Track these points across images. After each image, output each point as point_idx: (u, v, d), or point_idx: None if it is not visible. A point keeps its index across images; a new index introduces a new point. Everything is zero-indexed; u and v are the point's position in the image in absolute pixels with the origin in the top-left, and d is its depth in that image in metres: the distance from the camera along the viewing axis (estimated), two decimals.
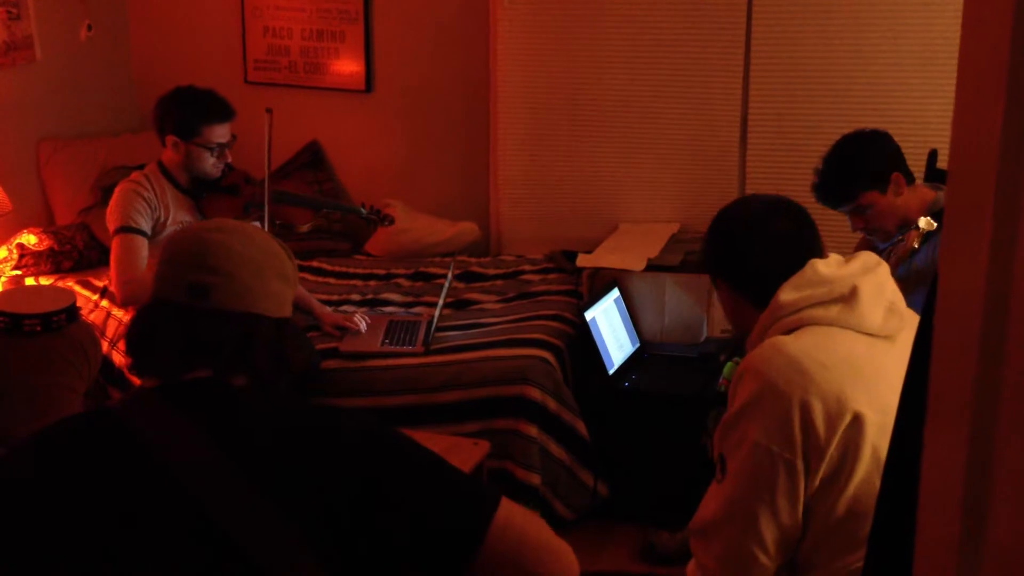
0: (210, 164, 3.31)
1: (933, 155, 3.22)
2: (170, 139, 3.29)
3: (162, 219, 3.28)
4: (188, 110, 3.27)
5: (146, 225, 3.24)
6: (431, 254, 4.38)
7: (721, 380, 3.01)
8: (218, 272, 1.43)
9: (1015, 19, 0.75)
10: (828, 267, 1.84)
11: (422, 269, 4.19)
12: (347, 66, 4.64)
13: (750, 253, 1.89)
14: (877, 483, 1.66)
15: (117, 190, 3.29)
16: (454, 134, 4.59)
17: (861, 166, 2.86)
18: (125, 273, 3.19)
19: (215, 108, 3.29)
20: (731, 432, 1.75)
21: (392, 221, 3.70)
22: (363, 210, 3.62)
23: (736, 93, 4.05)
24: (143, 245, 3.22)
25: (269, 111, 3.37)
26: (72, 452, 1.37)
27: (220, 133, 3.29)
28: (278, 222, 3.42)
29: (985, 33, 0.79)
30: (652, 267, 3.74)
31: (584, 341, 3.46)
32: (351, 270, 4.24)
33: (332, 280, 4.14)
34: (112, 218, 3.25)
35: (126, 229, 3.22)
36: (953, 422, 0.82)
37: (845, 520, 1.71)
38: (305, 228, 3.57)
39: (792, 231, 1.89)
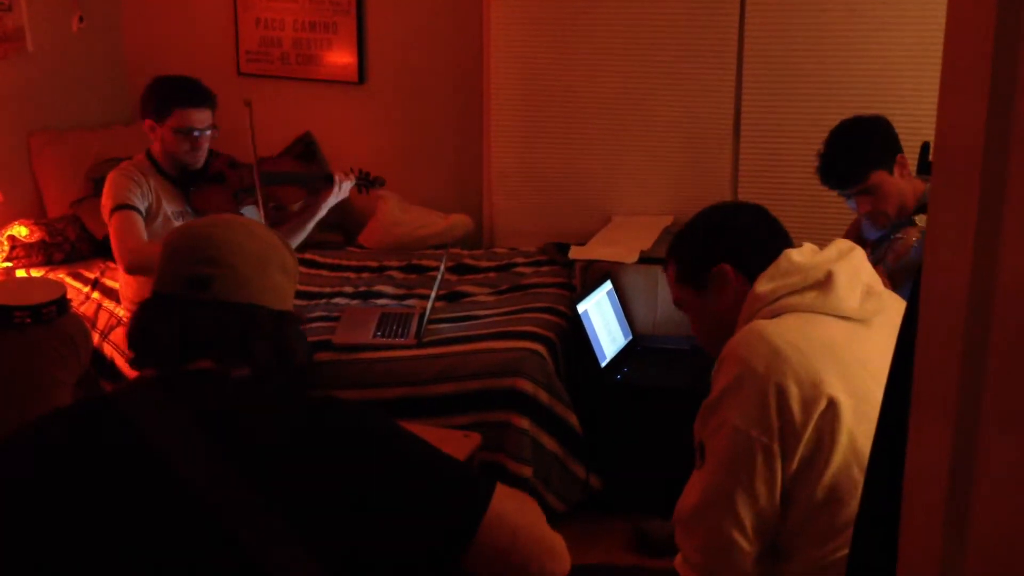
0: (183, 150, 3.30)
1: (926, 148, 3.23)
2: (147, 123, 3.31)
3: (152, 206, 3.29)
4: (162, 93, 3.29)
5: (141, 205, 3.24)
6: (424, 246, 4.37)
7: (713, 373, 3.01)
8: (219, 264, 1.44)
9: (999, 13, 0.75)
10: (802, 255, 1.86)
11: (415, 261, 4.18)
12: (340, 58, 4.63)
13: (743, 228, 1.94)
14: (854, 469, 1.69)
15: (109, 176, 3.31)
16: (447, 126, 4.59)
17: (871, 146, 2.88)
18: (126, 242, 3.19)
19: (188, 92, 3.29)
20: (711, 417, 1.77)
21: (383, 183, 3.70)
22: (354, 175, 3.61)
23: (729, 86, 4.05)
24: (140, 221, 3.23)
25: (248, 104, 3.35)
26: (68, 441, 1.37)
27: (197, 119, 3.29)
28: (271, 204, 3.41)
29: (969, 26, 0.79)
30: (645, 259, 3.74)
31: (577, 333, 3.46)
32: (343, 262, 4.24)
33: (324, 272, 4.13)
34: (107, 201, 3.26)
35: (122, 207, 3.22)
36: (937, 413, 0.82)
37: (824, 505, 1.72)
38: (297, 207, 3.56)
39: (767, 218, 1.96)
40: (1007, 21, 0.75)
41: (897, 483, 0.88)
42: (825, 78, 3.94)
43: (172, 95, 3.28)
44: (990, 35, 0.76)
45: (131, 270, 3.24)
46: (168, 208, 3.34)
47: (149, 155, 3.35)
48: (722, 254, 1.90)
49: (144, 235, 3.22)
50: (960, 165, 0.80)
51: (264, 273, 1.48)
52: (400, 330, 3.48)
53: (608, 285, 3.72)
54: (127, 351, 1.52)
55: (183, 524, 1.30)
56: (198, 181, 3.38)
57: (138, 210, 3.23)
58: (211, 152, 3.43)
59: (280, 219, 3.51)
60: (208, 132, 3.34)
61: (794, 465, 1.72)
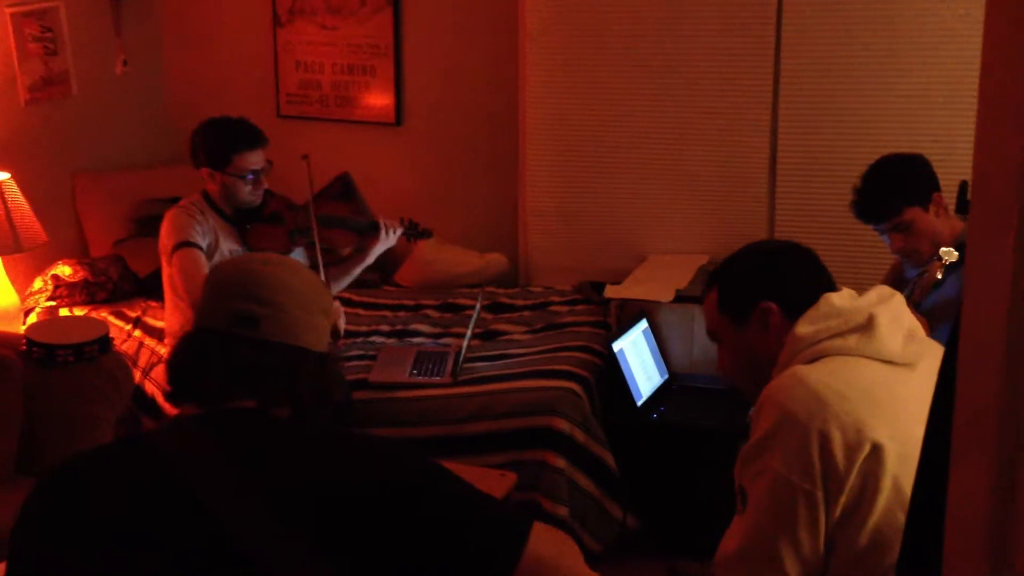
0: (246, 192, 3.34)
1: (964, 187, 3.21)
2: (204, 171, 3.33)
3: (212, 244, 3.30)
4: (218, 140, 3.31)
5: (202, 242, 3.25)
6: (459, 285, 4.39)
7: (750, 412, 2.99)
8: (267, 303, 1.45)
9: None
10: (842, 299, 1.84)
11: (451, 300, 4.20)
12: (377, 99, 4.69)
13: (791, 267, 1.92)
14: (899, 514, 1.66)
15: (167, 214, 3.32)
16: (483, 166, 4.62)
17: (906, 181, 2.87)
18: (194, 278, 3.16)
19: (244, 135, 3.33)
20: (751, 463, 1.75)
21: (431, 235, 3.74)
22: (402, 226, 3.65)
23: (765, 124, 4.05)
24: (203, 257, 3.24)
25: (305, 158, 3.39)
26: (103, 479, 1.39)
27: (252, 160, 3.32)
28: (324, 247, 3.44)
29: (1004, 67, 0.79)
30: (681, 298, 3.73)
31: (612, 372, 3.45)
32: (380, 301, 4.26)
33: (361, 311, 4.16)
34: (168, 239, 3.26)
35: (186, 244, 3.23)
36: (978, 455, 0.82)
37: (868, 552, 1.69)
38: (347, 251, 3.60)
39: (815, 261, 1.94)
40: None
41: (939, 525, 0.87)
42: (861, 117, 3.93)
43: (228, 141, 3.30)
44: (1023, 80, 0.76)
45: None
46: (225, 246, 3.37)
47: (205, 195, 3.38)
48: (769, 291, 1.88)
49: (207, 271, 3.25)
50: (998, 204, 0.80)
51: (309, 314, 1.49)
52: (436, 368, 3.49)
53: (644, 324, 3.71)
54: (166, 385, 1.51)
55: (219, 566, 1.31)
56: (254, 220, 3.42)
57: (200, 247, 3.24)
58: (268, 192, 3.46)
59: (330, 263, 3.55)
60: (265, 170, 3.38)
61: (838, 512, 1.69)
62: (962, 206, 3.15)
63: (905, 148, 3.11)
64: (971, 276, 0.84)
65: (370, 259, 3.59)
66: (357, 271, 3.59)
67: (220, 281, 1.50)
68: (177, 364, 1.48)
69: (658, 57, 4.13)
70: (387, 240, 3.57)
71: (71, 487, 1.40)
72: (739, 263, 1.97)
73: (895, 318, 1.84)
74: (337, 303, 3.37)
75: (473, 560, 1.36)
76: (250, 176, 3.32)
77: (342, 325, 3.40)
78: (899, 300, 1.89)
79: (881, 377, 1.77)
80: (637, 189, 4.26)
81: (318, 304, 1.51)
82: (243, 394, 1.43)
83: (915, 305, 2.74)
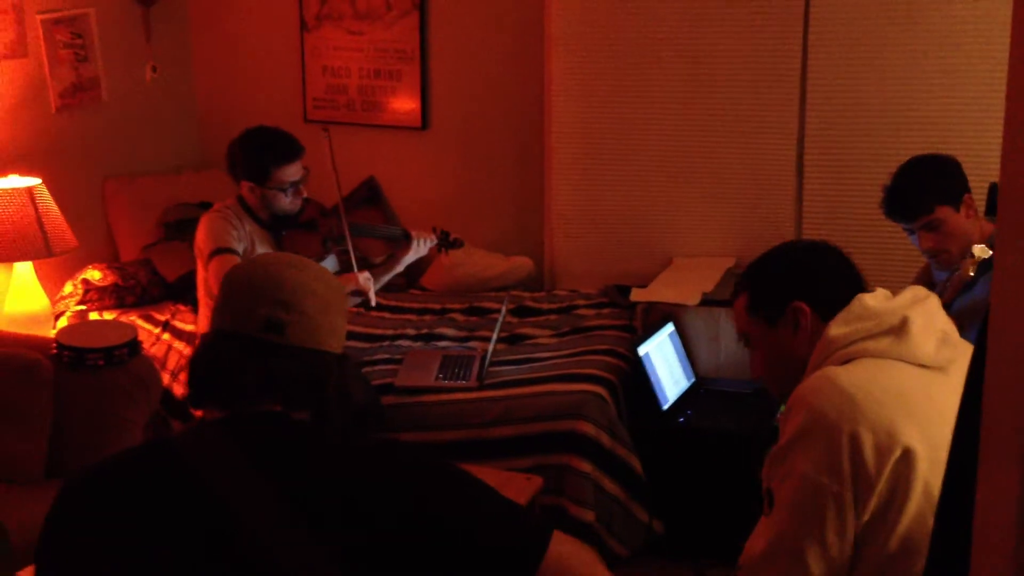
0: (287, 203, 3.35)
1: (993, 188, 3.18)
2: (245, 184, 3.33)
3: (248, 250, 3.30)
4: (257, 155, 3.31)
5: (239, 248, 3.26)
6: (485, 288, 4.40)
7: (778, 416, 2.97)
8: (294, 309, 1.45)
9: None
10: (876, 300, 1.82)
11: (476, 304, 4.21)
12: (404, 104, 4.71)
13: (823, 267, 1.90)
14: (929, 519, 1.63)
15: (204, 218, 3.33)
16: (508, 170, 4.63)
17: (938, 180, 2.85)
18: None
19: (283, 149, 3.33)
20: (779, 465, 1.73)
21: (462, 244, 3.74)
22: (434, 236, 3.66)
23: (792, 127, 4.03)
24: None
25: (326, 130, 3.41)
26: (128, 483, 1.40)
27: (292, 172, 3.33)
28: (357, 255, 3.45)
29: None
30: (707, 301, 3.71)
31: (638, 376, 3.44)
32: (406, 304, 4.28)
33: (387, 315, 4.17)
34: (205, 244, 3.26)
35: (223, 250, 3.22)
36: (1006, 460, 0.81)
37: (897, 557, 1.67)
38: (380, 260, 3.62)
39: (846, 261, 1.92)
40: None
41: (967, 530, 0.86)
42: (888, 119, 3.90)
43: (267, 156, 3.30)
44: None
45: None
46: (260, 251, 3.38)
47: (241, 201, 3.38)
48: (801, 291, 1.86)
49: None
50: None
51: (331, 318, 1.50)
52: (462, 372, 3.49)
53: (670, 327, 3.70)
54: (188, 386, 1.52)
55: (242, 571, 1.31)
56: (289, 226, 3.43)
57: (237, 253, 3.25)
58: (304, 199, 3.47)
59: (361, 270, 3.55)
60: (303, 179, 3.39)
61: (867, 515, 1.68)
62: (992, 208, 3.13)
63: (933, 150, 3.08)
64: (999, 279, 0.83)
65: (400, 267, 3.60)
66: (386, 279, 3.60)
67: (246, 284, 1.49)
68: (202, 367, 1.48)
69: (683, 60, 4.12)
70: (418, 250, 3.59)
71: (97, 491, 1.41)
72: (769, 263, 1.96)
73: (929, 320, 1.82)
74: (365, 273, 3.39)
75: (494, 566, 1.36)
76: (289, 188, 3.34)
77: (373, 297, 3.41)
78: (934, 301, 1.87)
79: (914, 380, 1.75)
80: (662, 192, 4.25)
81: (337, 306, 1.52)
82: (269, 399, 1.44)
83: (945, 306, 2.71)
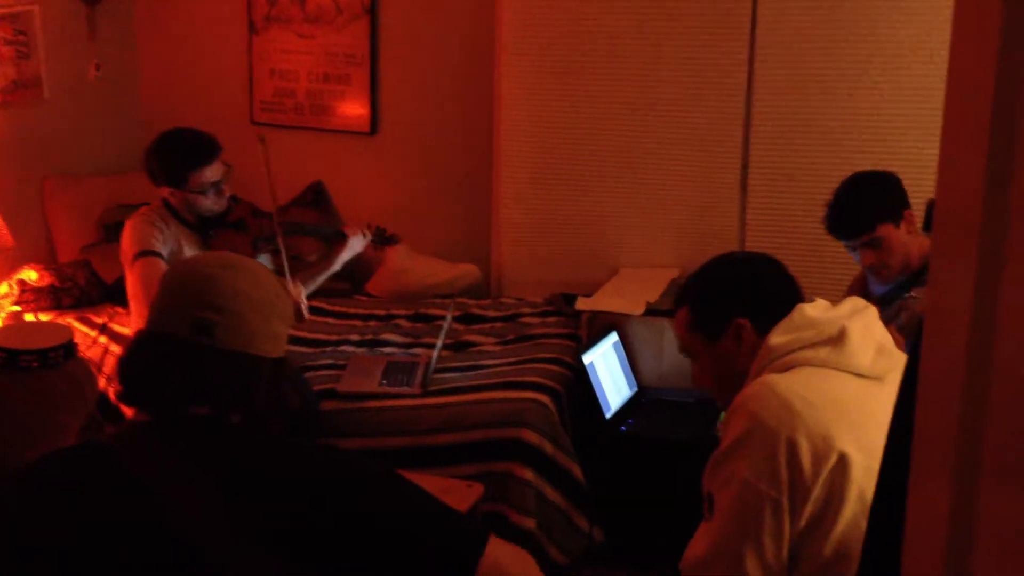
0: (210, 203, 3.32)
1: (932, 205, 3.24)
2: (165, 190, 3.31)
3: (174, 252, 3.27)
4: (173, 159, 3.28)
5: (164, 251, 3.23)
6: (431, 295, 4.38)
7: (719, 425, 3.00)
8: (224, 311, 1.44)
9: (998, 70, 0.76)
10: (815, 310, 1.86)
11: (422, 310, 4.19)
12: (352, 108, 4.69)
13: (762, 281, 1.93)
14: (863, 525, 1.65)
15: (128, 223, 3.29)
16: (457, 177, 4.63)
17: (879, 198, 2.90)
18: (154, 287, 3.13)
19: (198, 152, 3.29)
20: (720, 469, 1.76)
21: (398, 240, 3.72)
22: (369, 232, 3.63)
23: (737, 140, 4.08)
24: (164, 267, 3.21)
25: (262, 139, 3.36)
26: (58, 483, 1.37)
27: (210, 173, 3.30)
28: (290, 255, 3.42)
29: (969, 90, 0.80)
30: (651, 311, 3.74)
31: (582, 385, 3.46)
32: (351, 310, 4.25)
33: (331, 320, 4.14)
34: (129, 247, 3.23)
35: (147, 253, 3.19)
36: (937, 470, 0.82)
37: (832, 563, 1.70)
38: (313, 258, 3.58)
39: (781, 270, 1.96)
40: (1005, 84, 0.76)
41: (898, 537, 0.87)
42: (833, 133, 3.97)
43: (182, 160, 3.26)
44: (988, 101, 0.77)
45: None
46: (188, 253, 3.35)
47: (166, 204, 3.35)
48: (740, 308, 1.89)
49: None
50: (960, 221, 0.81)
51: (267, 322, 1.48)
52: (406, 379, 3.48)
53: (614, 336, 3.72)
54: (118, 385, 1.49)
55: (176, 570, 1.30)
56: (218, 227, 3.39)
57: (161, 256, 3.21)
58: (233, 198, 3.44)
59: (295, 270, 3.53)
60: (225, 178, 3.35)
61: (803, 521, 1.70)
62: (929, 224, 3.19)
63: (875, 165, 3.14)
64: (932, 292, 0.85)
65: (336, 266, 3.57)
66: (323, 278, 3.57)
67: (178, 284, 1.48)
68: (131, 368, 1.46)
69: (632, 72, 4.15)
70: (353, 247, 3.56)
71: (25, 493, 1.38)
72: (709, 280, 1.98)
73: (867, 331, 1.85)
74: (297, 284, 3.36)
75: (431, 568, 1.36)
76: (210, 189, 3.30)
77: (305, 308, 3.37)
78: (872, 312, 1.91)
79: (851, 389, 1.79)
80: (609, 202, 4.27)
81: (276, 310, 1.50)
82: (197, 401, 1.42)
83: (898, 327, 2.76)
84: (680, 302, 1.99)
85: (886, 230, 2.87)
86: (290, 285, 3.31)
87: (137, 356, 1.46)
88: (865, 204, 2.90)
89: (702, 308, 1.94)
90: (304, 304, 3.36)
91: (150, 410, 1.44)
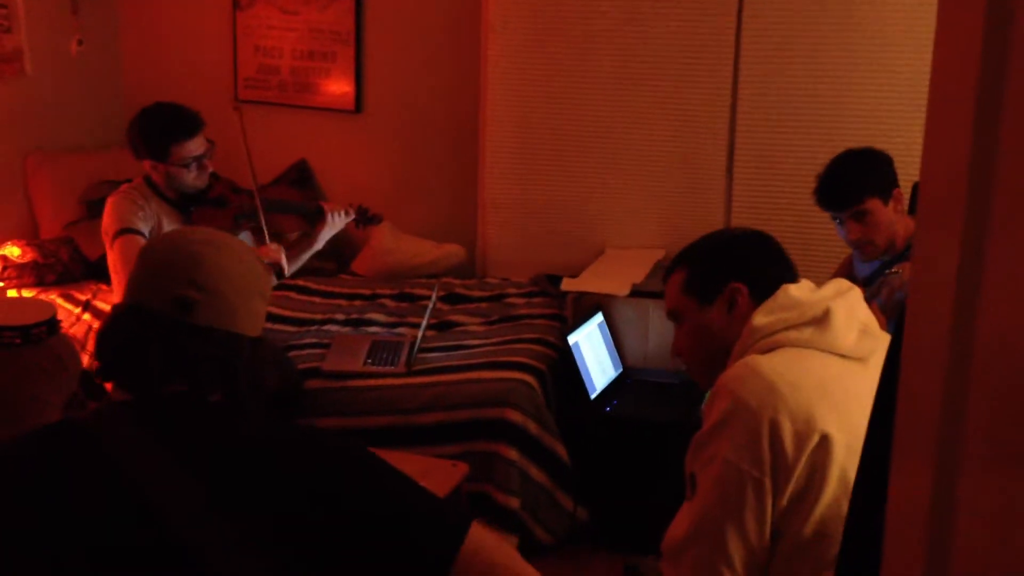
0: (192, 178, 3.30)
1: (917, 188, 3.25)
2: (147, 164, 3.29)
3: (155, 229, 3.26)
4: (154, 133, 3.25)
5: (144, 228, 3.21)
6: (417, 275, 4.38)
7: (703, 406, 3.01)
8: (205, 289, 1.42)
9: (983, 55, 0.76)
10: (800, 291, 1.86)
11: (407, 290, 4.19)
12: (337, 86, 4.66)
13: (762, 253, 1.93)
14: (844, 505, 1.67)
15: (110, 200, 3.27)
16: (442, 156, 4.61)
17: (870, 171, 2.92)
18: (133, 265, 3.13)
19: (181, 125, 3.27)
20: (702, 450, 1.76)
21: (380, 219, 3.71)
22: (352, 211, 3.62)
23: (723, 121, 4.08)
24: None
25: (237, 108, 3.33)
26: (34, 461, 1.36)
27: (193, 147, 3.28)
28: (271, 232, 3.40)
29: (953, 72, 0.80)
30: (636, 292, 3.74)
31: (567, 365, 3.46)
32: (336, 289, 4.24)
33: (317, 299, 4.13)
34: (110, 225, 3.21)
35: (127, 231, 3.18)
36: (919, 451, 0.82)
37: (813, 542, 1.71)
38: (295, 236, 3.57)
39: (781, 250, 1.95)
40: (989, 66, 0.76)
41: (879, 521, 0.87)
42: (819, 115, 3.97)
43: (164, 133, 3.24)
44: (974, 74, 0.76)
45: None
46: (168, 230, 3.33)
47: (148, 180, 3.33)
48: (740, 273, 1.89)
49: None
50: (944, 201, 0.80)
51: (247, 300, 1.47)
52: (390, 358, 3.47)
53: (599, 317, 3.72)
54: (96, 359, 1.47)
55: (150, 551, 1.29)
56: (199, 204, 3.37)
57: (142, 234, 3.20)
58: (213, 175, 3.42)
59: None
60: (207, 153, 3.34)
61: (784, 500, 1.71)
62: (915, 207, 3.20)
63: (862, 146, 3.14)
64: (916, 272, 0.85)
65: (319, 244, 3.55)
66: (306, 256, 3.55)
67: (158, 260, 1.46)
68: (109, 341, 1.44)
69: (619, 53, 4.14)
70: (334, 224, 3.54)
71: (2, 471, 1.37)
72: (710, 245, 1.98)
73: (851, 312, 1.86)
74: (275, 244, 3.34)
75: (411, 553, 1.35)
76: (192, 163, 3.28)
77: (285, 265, 3.35)
78: (856, 294, 1.91)
79: (834, 370, 1.79)
80: (596, 183, 4.27)
81: (256, 288, 1.49)
82: (176, 380, 1.41)
83: (880, 305, 2.77)
84: (677, 263, 1.97)
85: (874, 204, 2.88)
86: (269, 246, 3.30)
87: (114, 330, 1.44)
88: (855, 176, 2.91)
89: (702, 268, 1.93)
90: (285, 264, 3.33)
91: (128, 387, 1.43)
